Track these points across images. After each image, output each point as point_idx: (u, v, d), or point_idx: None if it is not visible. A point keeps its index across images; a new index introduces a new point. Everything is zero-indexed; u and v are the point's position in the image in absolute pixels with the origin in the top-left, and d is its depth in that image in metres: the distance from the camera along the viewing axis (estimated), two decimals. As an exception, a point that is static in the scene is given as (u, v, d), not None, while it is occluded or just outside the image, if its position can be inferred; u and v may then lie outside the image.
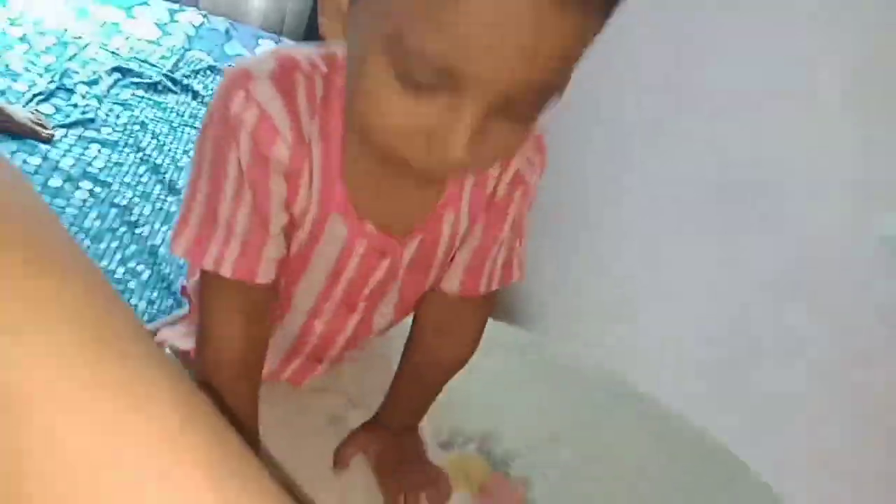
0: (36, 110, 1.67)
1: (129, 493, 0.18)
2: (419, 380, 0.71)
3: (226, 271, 0.55)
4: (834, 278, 0.85)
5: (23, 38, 1.92)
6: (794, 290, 0.90)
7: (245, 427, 0.64)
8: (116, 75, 1.90)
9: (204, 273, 0.58)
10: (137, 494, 0.18)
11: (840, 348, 0.83)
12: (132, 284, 1.37)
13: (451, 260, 0.63)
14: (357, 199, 0.57)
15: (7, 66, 1.80)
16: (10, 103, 1.64)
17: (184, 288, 0.78)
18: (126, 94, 1.86)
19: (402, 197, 0.58)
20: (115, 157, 1.65)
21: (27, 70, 1.81)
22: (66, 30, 2.00)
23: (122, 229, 1.48)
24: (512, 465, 0.77)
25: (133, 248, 1.46)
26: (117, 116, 1.78)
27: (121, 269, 1.41)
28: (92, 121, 1.72)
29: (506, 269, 0.66)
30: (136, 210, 1.54)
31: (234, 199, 0.53)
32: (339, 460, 0.70)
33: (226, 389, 0.62)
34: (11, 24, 1.96)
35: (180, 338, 0.74)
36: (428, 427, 0.76)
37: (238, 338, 0.59)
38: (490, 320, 0.99)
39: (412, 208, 0.59)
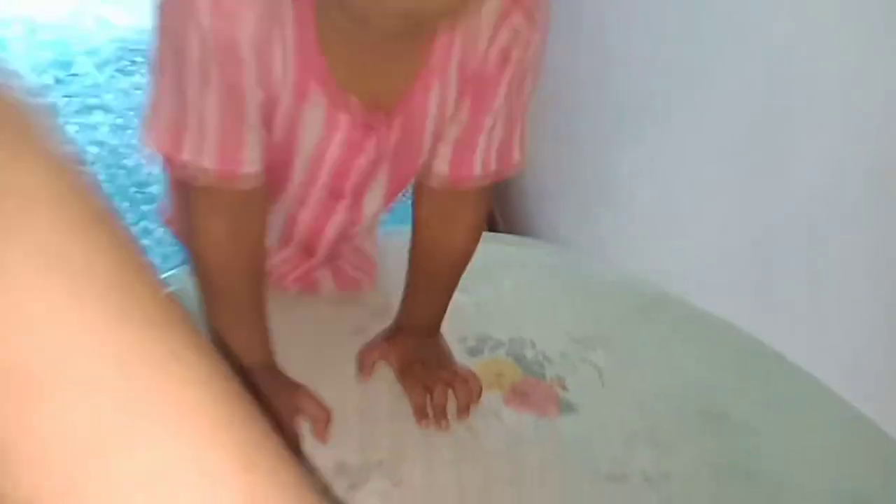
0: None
1: (149, 481, 0.17)
2: (428, 275, 0.68)
3: (207, 164, 0.51)
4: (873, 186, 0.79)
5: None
6: (834, 197, 0.85)
7: (250, 340, 0.60)
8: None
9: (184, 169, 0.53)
10: (160, 481, 0.17)
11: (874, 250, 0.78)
12: (146, 242, 1.35)
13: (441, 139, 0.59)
14: (337, 72, 0.52)
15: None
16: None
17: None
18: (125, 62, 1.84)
19: (383, 66, 0.54)
20: (118, 120, 1.63)
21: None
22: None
23: (132, 189, 1.46)
24: (545, 368, 0.73)
25: (144, 207, 1.44)
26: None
27: (133, 229, 1.39)
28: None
29: (502, 154, 0.60)
30: (144, 170, 1.52)
31: (201, 83, 0.48)
32: (362, 368, 0.67)
33: (224, 296, 0.59)
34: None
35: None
36: (454, 334, 0.72)
37: (228, 241, 0.55)
38: (517, 237, 0.95)
39: (395, 79, 0.54)
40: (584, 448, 0.65)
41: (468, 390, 0.65)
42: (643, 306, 0.86)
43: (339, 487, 0.57)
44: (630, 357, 0.77)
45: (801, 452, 0.70)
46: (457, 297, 0.79)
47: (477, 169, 0.60)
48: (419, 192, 0.64)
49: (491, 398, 0.68)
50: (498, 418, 0.66)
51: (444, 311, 0.70)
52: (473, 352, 0.73)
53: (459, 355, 0.70)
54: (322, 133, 0.55)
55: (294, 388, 0.61)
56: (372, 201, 0.64)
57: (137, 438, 0.17)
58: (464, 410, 0.65)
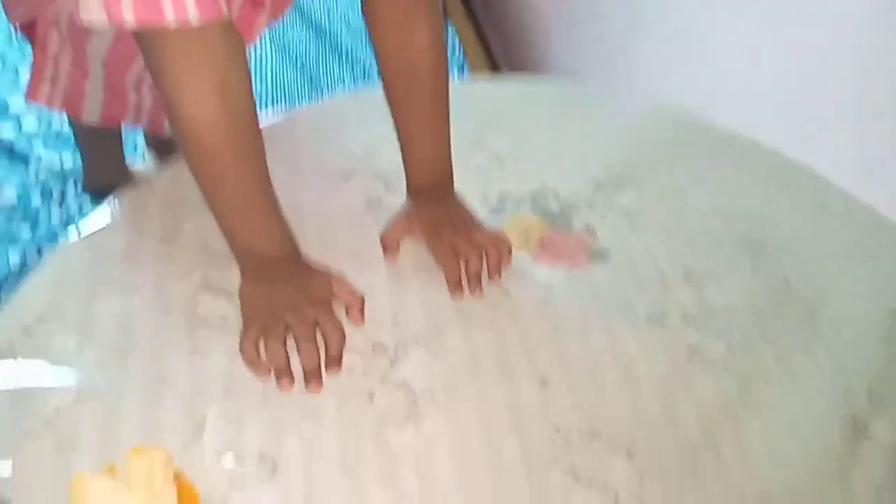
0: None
1: None
2: (411, 99, 0.63)
3: (194, 17, 0.45)
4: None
5: None
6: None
7: (267, 228, 0.57)
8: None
9: (148, 41, 0.47)
10: None
11: None
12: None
13: None
14: None
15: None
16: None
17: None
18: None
19: None
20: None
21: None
22: None
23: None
24: (572, 219, 0.70)
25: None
26: None
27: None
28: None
29: None
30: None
31: None
32: (387, 248, 0.65)
33: (226, 178, 0.54)
34: None
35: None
36: (473, 194, 0.69)
37: (217, 100, 0.49)
38: (525, 77, 0.89)
39: None
40: (620, 294, 0.64)
41: (499, 252, 0.63)
42: (671, 138, 0.81)
43: (379, 367, 0.57)
44: (661, 194, 0.74)
45: (842, 274, 0.68)
46: (471, 154, 0.75)
47: None
48: (370, 12, 0.62)
49: (520, 256, 0.66)
50: (529, 276, 0.65)
51: (449, 154, 0.66)
52: (496, 210, 0.70)
53: (482, 216, 0.67)
54: None
55: (324, 275, 0.59)
56: None
57: None
58: (495, 273, 0.63)
